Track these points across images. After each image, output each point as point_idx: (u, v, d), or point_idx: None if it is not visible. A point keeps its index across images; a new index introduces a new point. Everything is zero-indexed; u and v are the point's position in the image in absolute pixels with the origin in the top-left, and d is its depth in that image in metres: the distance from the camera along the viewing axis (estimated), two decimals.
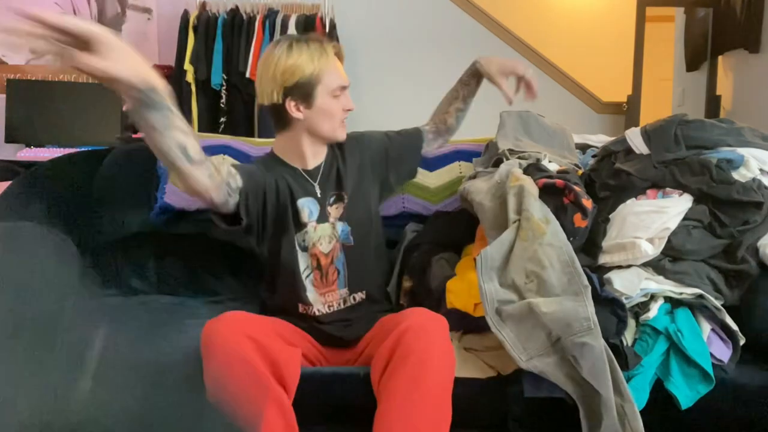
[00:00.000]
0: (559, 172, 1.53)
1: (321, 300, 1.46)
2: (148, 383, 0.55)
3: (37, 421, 0.46)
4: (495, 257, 1.33)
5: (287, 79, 1.40)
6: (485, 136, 1.93)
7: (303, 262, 1.45)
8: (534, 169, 1.53)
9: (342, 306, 1.48)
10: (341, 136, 1.51)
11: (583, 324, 1.18)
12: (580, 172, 1.66)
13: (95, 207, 1.84)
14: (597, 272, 1.38)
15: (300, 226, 1.45)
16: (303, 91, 1.41)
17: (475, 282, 1.32)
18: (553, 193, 1.42)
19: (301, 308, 1.46)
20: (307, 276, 1.46)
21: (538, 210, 1.36)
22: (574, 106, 4.15)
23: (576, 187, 1.40)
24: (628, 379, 1.23)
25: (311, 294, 1.45)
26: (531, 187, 1.40)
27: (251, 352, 1.14)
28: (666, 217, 1.39)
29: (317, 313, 1.45)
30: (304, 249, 1.46)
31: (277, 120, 1.48)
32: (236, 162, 1.66)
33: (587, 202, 1.39)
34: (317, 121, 1.45)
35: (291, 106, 1.42)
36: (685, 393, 1.23)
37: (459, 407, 1.17)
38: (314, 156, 1.51)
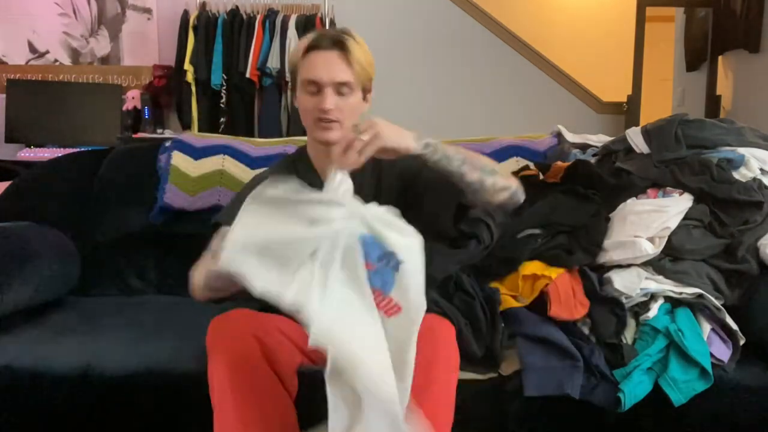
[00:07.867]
0: None
1: None
2: None
3: None
4: None
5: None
6: (485, 136, 1.93)
7: None
8: None
9: None
10: (320, 137, 1.28)
11: None
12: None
13: (95, 207, 1.84)
14: (597, 271, 1.39)
15: None
16: (293, 81, 1.34)
17: None
18: None
19: None
20: None
21: None
22: (574, 106, 4.14)
23: None
24: (626, 374, 1.23)
25: None
26: None
27: (257, 352, 1.14)
28: (666, 217, 1.39)
29: None
30: None
31: None
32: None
33: None
34: (301, 117, 1.31)
35: (294, 97, 1.37)
36: (681, 390, 1.23)
37: (460, 407, 1.16)
38: (329, 161, 1.19)
